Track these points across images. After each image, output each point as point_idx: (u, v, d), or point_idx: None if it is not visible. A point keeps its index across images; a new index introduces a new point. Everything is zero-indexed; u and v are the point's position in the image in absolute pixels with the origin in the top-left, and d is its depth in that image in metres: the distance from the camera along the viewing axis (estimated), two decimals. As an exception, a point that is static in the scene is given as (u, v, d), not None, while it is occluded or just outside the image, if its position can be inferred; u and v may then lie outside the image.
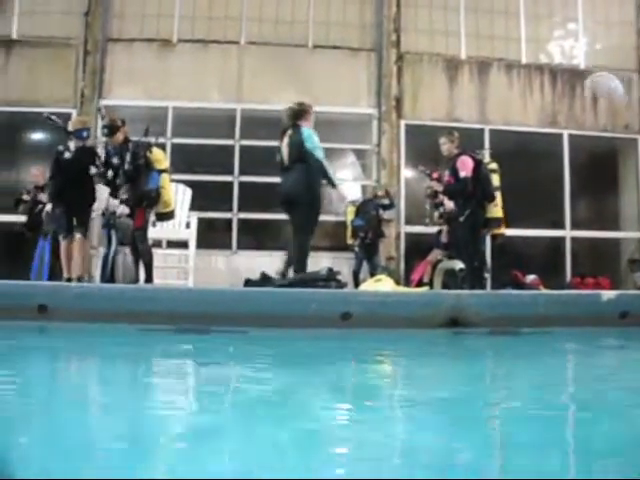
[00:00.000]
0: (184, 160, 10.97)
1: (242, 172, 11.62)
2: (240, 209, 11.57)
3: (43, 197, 8.97)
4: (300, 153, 6.97)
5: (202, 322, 5.01)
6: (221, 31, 12.10)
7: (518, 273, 10.76)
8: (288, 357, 4.13)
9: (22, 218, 9.65)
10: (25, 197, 9.64)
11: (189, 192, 9.23)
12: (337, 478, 1.65)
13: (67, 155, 7.51)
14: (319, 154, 6.94)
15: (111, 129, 7.33)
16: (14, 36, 11.90)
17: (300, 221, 7.10)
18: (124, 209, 7.20)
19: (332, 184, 7.18)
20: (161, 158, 7.77)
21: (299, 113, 7.23)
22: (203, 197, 9.81)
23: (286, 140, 7.12)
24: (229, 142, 11.71)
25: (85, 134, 7.65)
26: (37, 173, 9.61)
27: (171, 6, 12.14)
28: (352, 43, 12.27)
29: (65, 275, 7.58)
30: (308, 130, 7.06)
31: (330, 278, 7.24)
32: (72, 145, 7.55)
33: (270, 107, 11.56)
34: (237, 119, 11.75)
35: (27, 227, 9.51)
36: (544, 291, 9.13)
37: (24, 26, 11.91)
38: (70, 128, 7.73)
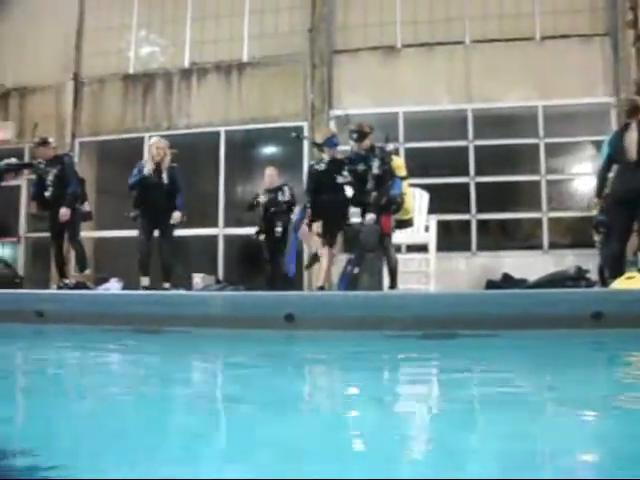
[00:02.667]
0: (418, 164, 11.04)
1: (478, 172, 11.51)
2: (478, 210, 11.46)
3: (280, 196, 9.28)
4: None
5: (447, 326, 5.04)
6: (445, 32, 12.11)
7: None
8: (555, 359, 4.06)
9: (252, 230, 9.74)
10: (261, 199, 9.53)
11: (426, 196, 9.30)
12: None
13: (321, 166, 7.81)
14: None
15: (360, 134, 7.54)
16: (244, 59, 12.81)
17: None
18: (372, 216, 7.31)
19: None
20: (401, 165, 7.95)
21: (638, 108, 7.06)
22: (440, 200, 9.84)
23: (633, 135, 6.88)
24: (462, 143, 11.65)
25: (335, 140, 7.88)
26: (271, 173, 9.55)
27: (393, 13, 12.38)
28: (583, 30, 11.69)
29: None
30: None
31: (579, 277, 7.04)
32: (325, 157, 7.86)
33: (502, 105, 11.45)
34: (469, 119, 11.66)
35: (259, 232, 9.58)
36: None
37: (253, 48, 12.80)
38: (319, 140, 8.08)
